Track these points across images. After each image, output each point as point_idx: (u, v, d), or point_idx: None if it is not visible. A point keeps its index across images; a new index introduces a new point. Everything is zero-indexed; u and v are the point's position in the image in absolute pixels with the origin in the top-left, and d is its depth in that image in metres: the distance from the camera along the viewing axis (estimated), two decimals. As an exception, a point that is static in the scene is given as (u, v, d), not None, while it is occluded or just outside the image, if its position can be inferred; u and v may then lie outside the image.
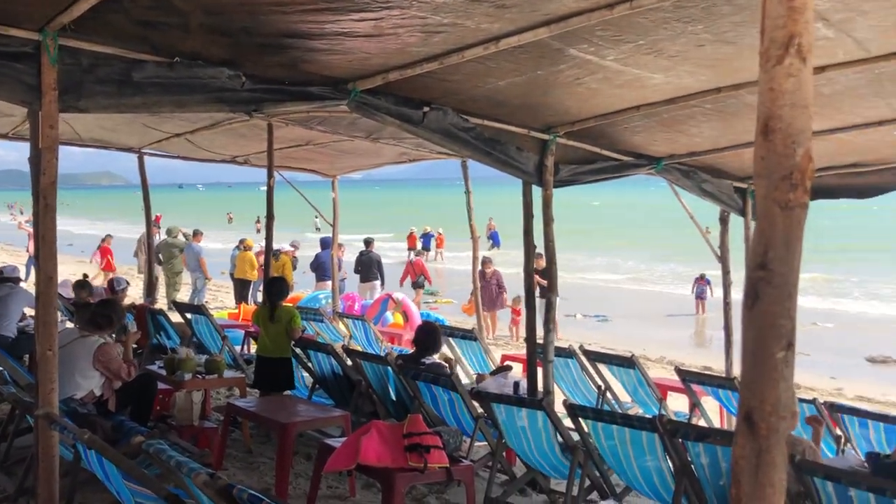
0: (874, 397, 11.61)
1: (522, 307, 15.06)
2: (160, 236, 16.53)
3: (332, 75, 4.61)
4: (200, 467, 2.75)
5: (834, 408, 5.79)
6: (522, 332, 14.35)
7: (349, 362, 6.44)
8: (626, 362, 7.11)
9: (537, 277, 13.45)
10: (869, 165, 6.42)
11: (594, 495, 5.07)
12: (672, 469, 4.32)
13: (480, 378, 6.74)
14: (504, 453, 5.60)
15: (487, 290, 14.25)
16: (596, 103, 5.13)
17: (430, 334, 6.15)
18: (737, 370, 7.29)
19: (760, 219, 1.29)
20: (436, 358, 6.10)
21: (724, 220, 7.52)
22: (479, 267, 11.76)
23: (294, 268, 15.81)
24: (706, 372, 7.96)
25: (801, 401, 6.02)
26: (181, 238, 15.78)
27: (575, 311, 19.23)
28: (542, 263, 14.42)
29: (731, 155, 6.28)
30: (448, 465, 4.12)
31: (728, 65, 4.30)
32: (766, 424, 1.27)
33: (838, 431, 5.76)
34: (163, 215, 29.26)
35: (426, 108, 4.89)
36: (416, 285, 18.36)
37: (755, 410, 1.29)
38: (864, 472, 3.93)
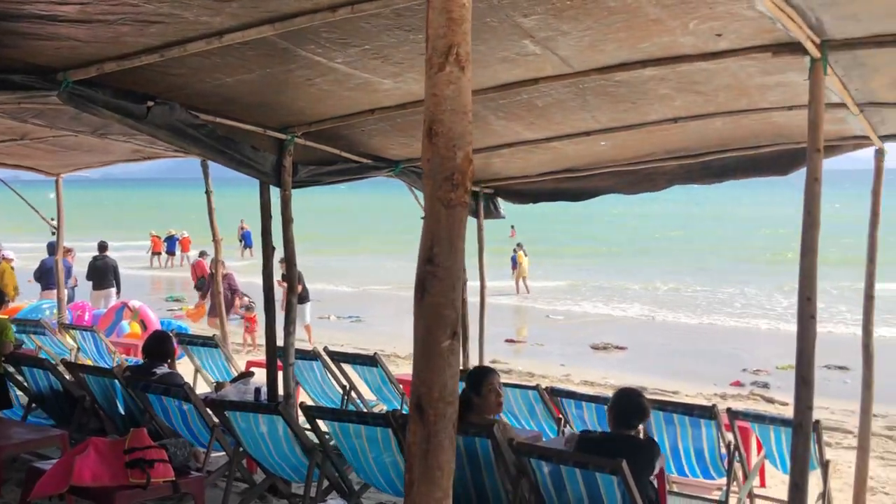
0: (596, 380, 12.85)
1: (258, 314, 14.77)
2: None
3: (39, 63, 4.20)
4: None
5: (553, 392, 6.32)
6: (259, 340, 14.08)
7: (70, 377, 5.92)
8: (369, 361, 7.24)
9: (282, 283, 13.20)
10: (581, 171, 7.08)
11: (334, 494, 5.10)
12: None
13: (220, 386, 6.52)
14: (245, 461, 5.46)
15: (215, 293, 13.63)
16: (330, 105, 5.16)
17: (160, 343, 5.83)
18: (474, 361, 7.72)
19: (427, 216, 1.36)
20: (166, 367, 5.80)
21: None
22: (214, 270, 11.28)
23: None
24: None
25: (526, 387, 6.51)
26: None
27: (329, 312, 19.28)
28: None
29: (462, 159, 6.62)
30: (174, 479, 3.93)
31: (451, 73, 4.52)
32: (435, 410, 1.34)
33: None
34: None
35: (150, 103, 4.62)
36: (198, 287, 17.37)
37: (424, 397, 1.35)
38: (569, 451, 4.32)
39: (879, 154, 6.23)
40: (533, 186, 7.51)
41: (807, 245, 3.93)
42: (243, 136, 5.41)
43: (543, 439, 6.04)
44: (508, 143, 6.16)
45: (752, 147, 6.40)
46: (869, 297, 6.33)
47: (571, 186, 7.30)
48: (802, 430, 3.96)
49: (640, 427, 5.94)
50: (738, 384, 13.08)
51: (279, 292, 6.24)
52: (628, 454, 3.89)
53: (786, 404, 11.48)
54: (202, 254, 18.89)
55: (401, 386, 7.46)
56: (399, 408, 7.15)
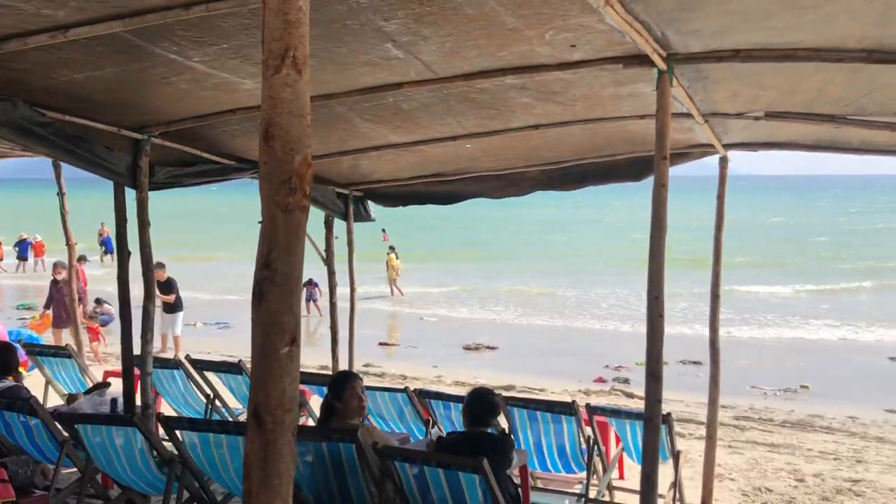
0: (467, 380, 13.06)
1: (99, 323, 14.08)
2: None
3: None
4: None
5: (422, 394, 6.37)
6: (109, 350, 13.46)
7: None
8: (234, 368, 7.05)
9: (159, 293, 12.60)
10: (449, 175, 7.18)
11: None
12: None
13: (73, 399, 6.16)
14: (99, 477, 5.19)
15: (60, 301, 12.63)
16: (189, 104, 4.99)
17: (2, 354, 5.46)
18: (343, 367, 7.66)
19: (265, 221, 1.35)
20: (10, 381, 5.41)
21: (328, 225, 7.83)
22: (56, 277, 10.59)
23: None
24: (317, 371, 8.22)
25: (395, 390, 6.53)
26: None
27: (195, 319, 18.64)
28: (164, 275, 13.64)
29: (330, 162, 6.57)
30: (15, 499, 3.69)
31: (314, 76, 4.46)
32: (273, 418, 1.33)
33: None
34: None
35: (-12, 99, 4.31)
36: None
37: (261, 405, 1.33)
38: (431, 452, 4.38)
39: (723, 161, 6.67)
40: (402, 189, 7.55)
41: (654, 248, 4.15)
42: (96, 135, 5.14)
43: (412, 441, 6.08)
44: (376, 146, 6.17)
45: (609, 154, 6.69)
46: (715, 297, 6.75)
47: (440, 190, 7.39)
48: (652, 423, 4.17)
49: (506, 425, 6.11)
50: (600, 380, 13.64)
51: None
52: (485, 451, 3.98)
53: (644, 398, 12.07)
54: (81, 259, 17.70)
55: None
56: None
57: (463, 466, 3.91)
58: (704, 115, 5.40)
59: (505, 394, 7.06)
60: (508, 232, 54.29)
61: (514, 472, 5.41)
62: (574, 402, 5.87)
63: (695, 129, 5.80)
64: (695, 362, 14.55)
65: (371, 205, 7.96)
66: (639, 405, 11.73)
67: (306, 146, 1.35)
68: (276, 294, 1.33)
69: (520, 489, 4.76)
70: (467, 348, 16.59)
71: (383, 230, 37.55)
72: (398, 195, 7.65)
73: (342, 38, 3.87)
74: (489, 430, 4.67)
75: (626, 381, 13.73)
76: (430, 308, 22.87)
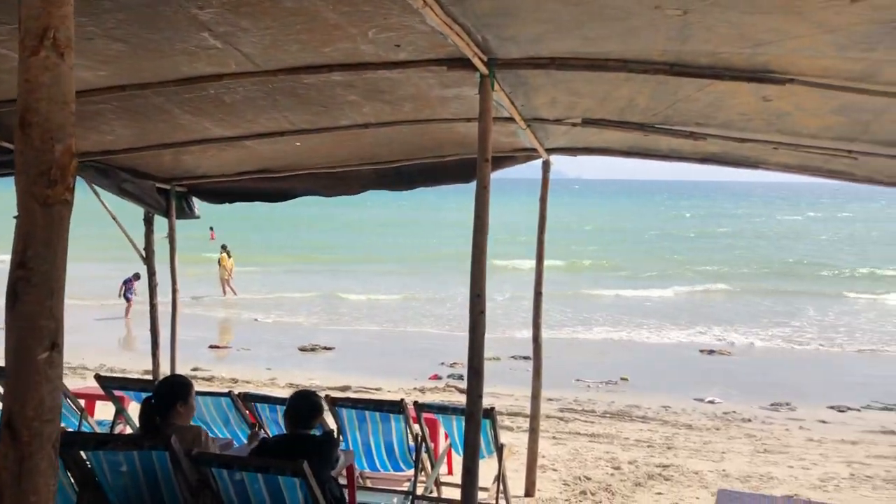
0: (302, 382, 12.84)
1: None
2: None
3: None
4: None
5: (247, 398, 6.18)
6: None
7: None
8: None
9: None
10: (278, 172, 7.02)
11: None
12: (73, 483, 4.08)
13: None
14: None
15: None
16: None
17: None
18: (165, 370, 7.29)
19: (21, 216, 1.23)
20: None
21: (148, 221, 7.43)
22: None
23: None
24: (130, 377, 7.78)
25: (219, 394, 6.29)
26: None
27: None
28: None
29: (148, 155, 6.24)
30: None
31: (126, 63, 4.22)
32: (29, 430, 1.22)
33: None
34: None
35: None
36: None
37: (17, 416, 1.22)
38: (249, 457, 4.25)
39: (545, 165, 6.95)
40: (228, 185, 7.29)
41: (477, 247, 4.24)
42: None
43: (236, 445, 5.88)
44: (198, 139, 5.91)
45: (439, 156, 6.79)
46: (538, 294, 7.03)
47: (268, 187, 7.21)
48: (474, 418, 4.26)
49: (335, 426, 6.04)
50: (435, 377, 13.86)
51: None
52: (306, 453, 3.92)
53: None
54: None
55: (81, 401, 6.86)
56: (78, 425, 6.55)
57: (282, 470, 3.82)
58: (526, 119, 5.60)
59: (340, 394, 6.99)
60: (351, 232, 54.03)
61: (344, 474, 5.37)
62: (402, 400, 5.89)
63: (519, 133, 6.00)
64: (525, 357, 15.08)
65: (196, 202, 7.63)
66: (471, 401, 12.02)
67: (69, 135, 1.25)
68: (32, 296, 1.22)
69: (345, 490, 4.72)
70: (303, 349, 16.33)
71: (211, 228, 36.33)
72: (224, 191, 7.38)
73: (155, 24, 3.67)
74: (312, 433, 4.60)
75: (461, 377, 14.01)
76: (265, 310, 22.31)
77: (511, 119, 5.43)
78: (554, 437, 9.53)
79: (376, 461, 6.14)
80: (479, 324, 4.27)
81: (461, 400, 11.71)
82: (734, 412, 11.86)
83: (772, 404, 12.46)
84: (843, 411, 12.20)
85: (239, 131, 5.75)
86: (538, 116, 5.58)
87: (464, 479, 4.24)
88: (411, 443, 6.08)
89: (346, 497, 4.65)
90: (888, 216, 76.89)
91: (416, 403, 6.12)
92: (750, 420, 11.37)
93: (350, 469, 5.38)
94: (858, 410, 12.27)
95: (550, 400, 11.52)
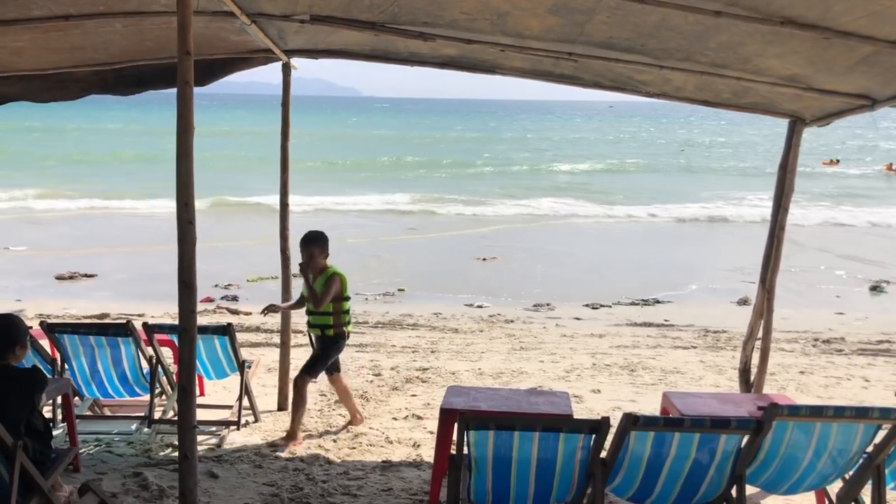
0: (55, 312, 11.84)
1: None
2: None
3: None
4: None
5: (53, 328, 5.44)
6: None
7: None
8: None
9: None
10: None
11: None
12: None
13: None
14: None
15: None
16: None
17: None
18: None
19: None
20: None
21: None
22: None
23: None
24: None
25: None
26: None
27: None
28: None
29: None
30: None
31: None
32: None
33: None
34: None
35: None
36: None
37: None
38: None
39: (286, 68, 6.62)
40: None
41: (182, 149, 3.91)
42: None
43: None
44: None
45: (167, 57, 6.22)
46: (284, 206, 6.80)
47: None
48: (187, 333, 4.00)
49: (56, 356, 5.54)
50: (208, 300, 13.32)
51: None
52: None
53: (249, 314, 12.06)
54: None
55: None
56: None
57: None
58: (250, 14, 5.22)
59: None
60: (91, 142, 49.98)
61: (59, 402, 4.94)
62: (129, 322, 5.50)
63: (247, 31, 5.60)
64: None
65: None
66: (243, 321, 11.70)
67: None
68: None
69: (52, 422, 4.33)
70: (60, 278, 15.03)
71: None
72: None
73: None
74: (20, 364, 4.17)
75: (235, 298, 13.61)
76: (19, 237, 20.24)
77: (231, 14, 5.03)
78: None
79: (108, 388, 5.75)
80: (189, 234, 4.00)
81: (231, 320, 11.35)
82: (499, 314, 12.46)
83: (534, 305, 13.23)
84: (596, 308, 13.22)
85: None
86: (262, 11, 5.21)
87: (179, 396, 4.01)
88: (145, 367, 5.74)
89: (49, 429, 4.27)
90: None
91: (145, 325, 5.75)
92: (512, 321, 12.00)
93: (66, 398, 4.97)
94: (609, 307, 13.35)
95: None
